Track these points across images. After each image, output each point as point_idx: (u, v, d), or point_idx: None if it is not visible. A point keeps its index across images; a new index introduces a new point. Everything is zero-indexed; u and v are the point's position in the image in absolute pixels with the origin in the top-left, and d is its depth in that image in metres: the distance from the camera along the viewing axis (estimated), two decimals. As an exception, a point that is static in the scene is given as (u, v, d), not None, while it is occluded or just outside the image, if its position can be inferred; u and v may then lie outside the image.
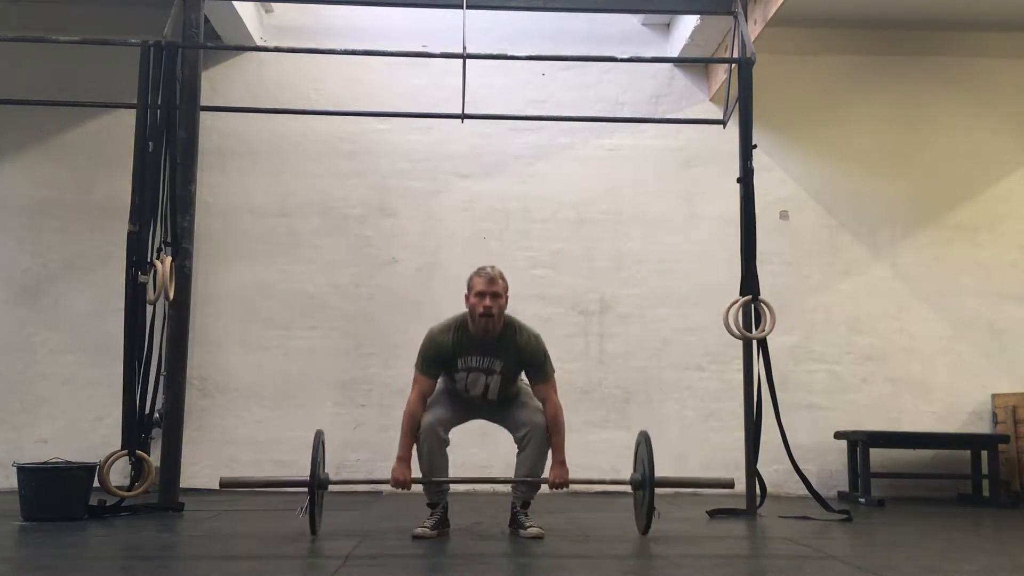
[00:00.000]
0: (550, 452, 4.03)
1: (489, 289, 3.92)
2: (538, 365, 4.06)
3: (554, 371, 4.13)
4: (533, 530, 3.97)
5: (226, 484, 4.18)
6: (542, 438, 4.02)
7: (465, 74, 5.55)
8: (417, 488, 4.09)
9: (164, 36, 5.14)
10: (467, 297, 4.01)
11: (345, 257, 6.60)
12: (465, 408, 4.16)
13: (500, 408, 4.14)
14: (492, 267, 4.02)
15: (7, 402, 6.32)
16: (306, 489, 3.83)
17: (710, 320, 5.98)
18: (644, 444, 4.02)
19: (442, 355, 4.02)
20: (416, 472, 4.03)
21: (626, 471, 6.35)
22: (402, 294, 6.49)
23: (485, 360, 4.01)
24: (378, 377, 6.44)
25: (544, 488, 4.09)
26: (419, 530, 3.96)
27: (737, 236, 5.29)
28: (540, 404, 4.09)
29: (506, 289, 3.99)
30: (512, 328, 4.04)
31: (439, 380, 4.14)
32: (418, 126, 6.62)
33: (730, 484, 4.24)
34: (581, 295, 6.54)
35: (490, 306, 3.91)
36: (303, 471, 6.27)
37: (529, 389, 4.19)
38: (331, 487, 4.04)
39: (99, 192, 6.46)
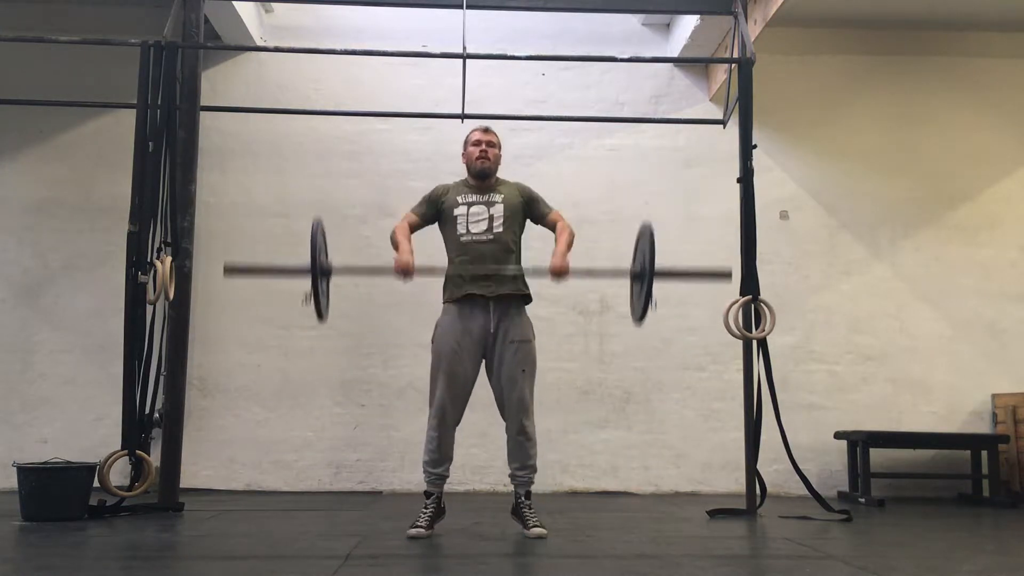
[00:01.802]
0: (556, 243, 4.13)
1: (484, 137, 4.26)
2: (537, 198, 4.29)
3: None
4: (536, 530, 3.97)
5: (230, 269, 4.33)
6: (526, 435, 4.07)
7: (465, 74, 5.55)
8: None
9: (164, 36, 5.15)
10: (463, 153, 4.29)
11: (345, 257, 6.55)
12: (470, 352, 4.07)
13: (503, 337, 4.06)
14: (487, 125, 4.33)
15: (7, 402, 6.33)
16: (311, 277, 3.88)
17: (710, 320, 5.98)
18: (646, 237, 4.03)
19: (440, 193, 4.24)
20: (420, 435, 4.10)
21: (626, 471, 6.41)
22: (402, 294, 6.47)
23: (484, 195, 4.18)
24: (378, 377, 6.44)
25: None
26: (413, 531, 3.95)
27: (737, 236, 5.29)
28: (526, 393, 4.06)
29: (500, 146, 4.31)
30: (505, 181, 4.31)
31: (443, 370, 4.07)
32: (418, 126, 6.62)
33: (727, 273, 4.38)
34: (581, 295, 6.54)
35: (485, 149, 4.22)
36: (303, 471, 6.33)
37: (530, 354, 4.12)
38: (335, 275, 4.11)
39: (99, 192, 6.46)
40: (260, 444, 6.32)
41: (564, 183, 6.67)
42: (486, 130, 4.31)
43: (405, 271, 4.02)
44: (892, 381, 6.57)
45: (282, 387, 6.41)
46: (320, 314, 3.98)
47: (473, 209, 4.15)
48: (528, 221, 4.31)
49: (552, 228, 4.26)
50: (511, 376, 4.06)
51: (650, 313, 4.01)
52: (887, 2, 6.49)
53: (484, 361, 4.14)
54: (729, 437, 6.16)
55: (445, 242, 4.26)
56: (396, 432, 6.36)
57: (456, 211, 4.16)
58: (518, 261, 4.20)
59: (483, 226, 4.11)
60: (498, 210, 4.14)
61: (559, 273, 4.05)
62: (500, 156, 4.31)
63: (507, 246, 4.13)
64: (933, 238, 6.74)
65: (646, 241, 4.01)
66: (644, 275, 3.97)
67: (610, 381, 6.51)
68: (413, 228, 4.24)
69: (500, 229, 4.11)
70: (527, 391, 4.09)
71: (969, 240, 6.74)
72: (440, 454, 4.08)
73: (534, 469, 4.13)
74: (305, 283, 3.90)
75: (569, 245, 4.15)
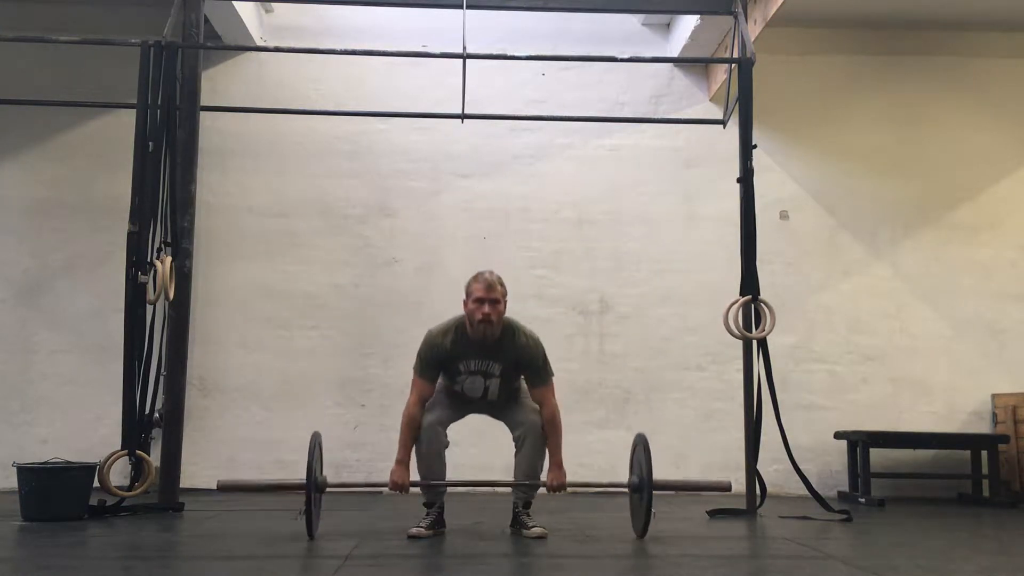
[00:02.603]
0: (547, 452, 4.04)
1: (488, 296, 3.90)
2: (536, 368, 4.05)
3: (553, 374, 4.11)
4: (536, 530, 3.98)
5: (224, 487, 4.15)
6: (538, 436, 4.03)
7: (465, 74, 5.55)
8: (415, 488, 4.09)
9: (164, 36, 5.15)
10: (465, 302, 3.99)
11: (345, 257, 6.60)
12: (464, 405, 4.17)
13: (499, 405, 4.15)
14: (490, 272, 3.99)
15: (7, 402, 6.32)
16: (304, 491, 3.78)
17: (710, 320, 5.98)
18: (641, 447, 4.00)
19: (440, 358, 4.01)
20: (415, 475, 4.02)
21: (625, 471, 6.39)
22: (402, 294, 6.49)
23: (484, 363, 4.01)
24: (378, 377, 6.44)
25: (542, 489, 4.09)
26: (414, 530, 3.96)
27: (737, 236, 5.29)
28: (537, 405, 4.09)
29: (505, 295, 3.97)
30: (511, 331, 4.03)
31: (439, 379, 4.14)
32: (418, 126, 6.62)
33: (727, 487, 4.23)
34: (581, 295, 6.54)
35: (488, 313, 3.89)
36: (303, 472, 6.30)
37: (525, 391, 4.19)
38: (329, 489, 4.01)
39: (99, 192, 6.46)
40: (260, 444, 6.32)
41: (564, 183, 6.67)
42: (489, 286, 3.92)
43: (400, 488, 3.99)
44: (892, 381, 6.56)
45: (282, 387, 6.41)
46: (311, 534, 3.78)
47: (471, 379, 4.05)
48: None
49: (538, 403, 4.09)
50: (515, 411, 4.11)
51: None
52: (887, 2, 6.49)
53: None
54: (729, 437, 6.14)
55: (442, 376, 4.15)
56: (396, 432, 6.26)
57: (456, 378, 4.08)
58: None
59: (478, 393, 4.09)
60: (494, 383, 4.06)
61: (556, 490, 4.02)
62: (505, 308, 3.99)
63: (498, 402, 4.14)
64: (933, 238, 6.74)
65: (642, 451, 3.97)
66: (643, 487, 3.91)
67: (610, 381, 6.51)
68: (426, 399, 4.05)
69: (494, 398, 4.11)
70: (537, 416, 4.08)
71: (969, 240, 6.74)
72: (433, 471, 4.02)
73: (538, 485, 4.10)
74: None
75: (560, 446, 4.05)
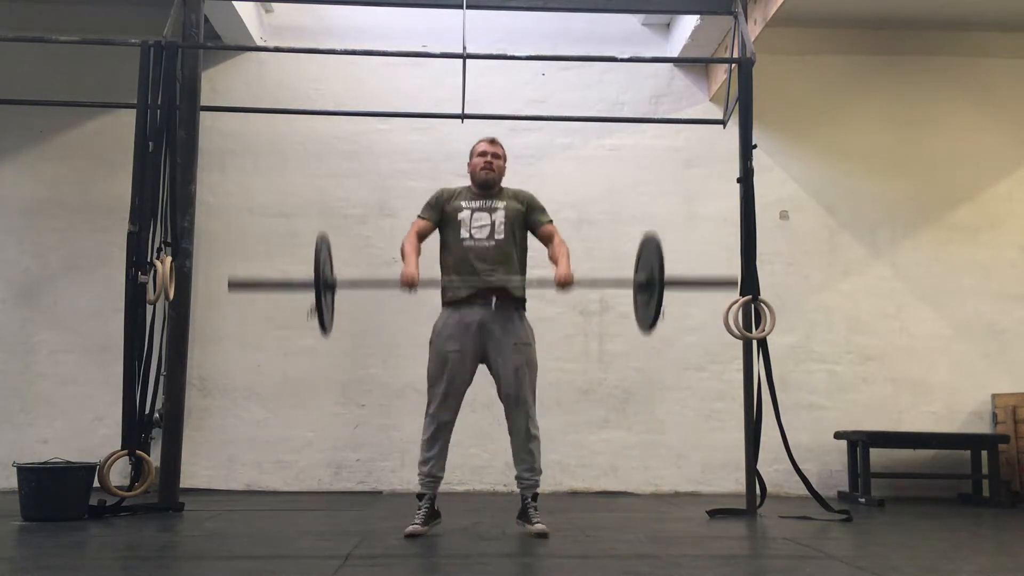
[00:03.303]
0: (555, 265, 4.13)
1: (490, 149, 4.27)
2: (537, 205, 4.30)
3: (552, 220, 4.33)
4: (539, 527, 3.99)
5: (234, 283, 4.31)
6: (525, 423, 4.09)
7: (465, 74, 5.55)
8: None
9: (164, 36, 5.15)
10: (469, 163, 4.32)
11: (345, 257, 6.55)
12: (469, 338, 4.09)
13: (502, 339, 4.08)
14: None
15: (7, 402, 6.32)
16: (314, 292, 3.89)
17: (710, 320, 5.98)
18: (653, 245, 4.01)
19: (445, 197, 4.25)
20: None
21: (626, 471, 6.41)
22: (402, 294, 6.46)
23: (487, 202, 4.20)
24: (378, 377, 6.44)
25: (552, 291, 4.13)
26: (411, 528, 3.97)
27: (737, 236, 5.29)
28: (527, 390, 4.08)
29: (505, 157, 4.33)
30: (508, 188, 4.33)
31: (441, 370, 4.10)
32: (418, 126, 6.62)
33: (734, 281, 4.43)
34: (581, 295, 6.54)
35: (491, 160, 4.24)
36: (303, 471, 6.33)
37: (529, 340, 4.14)
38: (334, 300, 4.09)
39: (99, 192, 6.46)
40: (260, 444, 6.32)
41: (564, 183, 6.67)
42: (492, 141, 4.32)
43: (410, 284, 4.02)
44: (892, 381, 6.57)
45: (282, 387, 6.41)
46: (324, 328, 3.98)
47: (476, 215, 4.18)
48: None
49: (544, 240, 4.26)
50: (514, 376, 4.08)
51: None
52: (887, 2, 6.49)
53: (486, 362, 4.15)
54: (729, 437, 6.15)
55: (443, 244, 4.26)
56: (396, 432, 6.36)
57: (460, 215, 4.19)
58: (520, 265, 4.21)
59: (485, 232, 4.15)
60: (500, 216, 4.17)
61: (564, 283, 4.06)
62: (504, 167, 4.33)
63: (507, 251, 4.15)
64: (933, 238, 6.74)
65: (653, 250, 4.00)
66: (654, 285, 3.96)
67: (610, 381, 6.51)
68: (423, 235, 4.24)
69: (501, 235, 4.14)
70: (529, 393, 4.12)
71: (969, 240, 6.74)
72: (435, 456, 4.11)
73: (539, 471, 4.15)
74: (309, 295, 3.91)
75: (568, 257, 4.16)
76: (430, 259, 4.33)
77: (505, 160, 4.33)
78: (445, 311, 4.20)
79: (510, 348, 4.09)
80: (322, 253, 3.97)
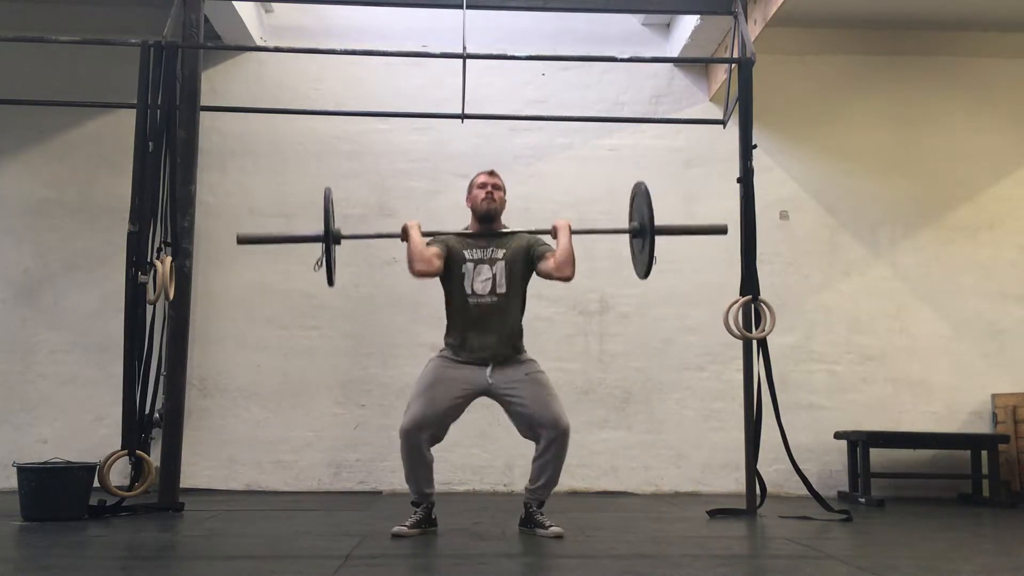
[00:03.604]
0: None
1: (490, 180, 4.22)
2: (540, 242, 4.23)
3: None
4: (554, 529, 3.96)
5: (243, 240, 4.40)
6: (566, 442, 3.98)
7: (465, 74, 5.55)
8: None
9: (164, 36, 5.14)
10: (468, 197, 4.26)
11: (345, 257, 6.55)
12: (465, 382, 4.04)
13: (507, 385, 4.02)
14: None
15: (7, 402, 6.32)
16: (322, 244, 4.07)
17: (710, 320, 5.98)
18: (641, 195, 4.15)
19: (452, 243, 4.16)
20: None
21: (626, 471, 6.41)
22: (402, 294, 6.49)
23: (488, 250, 4.14)
24: (378, 377, 6.44)
25: (548, 238, 4.15)
26: (397, 528, 3.95)
27: (737, 236, 5.29)
28: (559, 405, 4.02)
29: (505, 190, 4.26)
30: (510, 231, 4.27)
31: (425, 392, 4.03)
32: (418, 126, 6.62)
33: (723, 230, 4.43)
34: (581, 295, 6.54)
35: (491, 191, 4.18)
36: (303, 471, 6.33)
37: (545, 379, 4.08)
38: (345, 238, 4.22)
39: (99, 192, 6.46)
40: (260, 444, 6.32)
41: (564, 183, 6.67)
42: (491, 173, 4.26)
43: (411, 227, 4.08)
44: (892, 381, 6.57)
45: (282, 387, 6.41)
46: (331, 280, 4.13)
47: (477, 268, 4.08)
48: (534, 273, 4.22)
49: (549, 264, 4.08)
50: (539, 397, 3.99)
51: (654, 267, 4.08)
52: (887, 2, 6.49)
53: (494, 399, 4.08)
54: (729, 437, 6.16)
55: (447, 295, 4.17)
56: (396, 432, 6.30)
57: (463, 268, 4.09)
58: (519, 318, 4.15)
59: (487, 287, 4.07)
60: (500, 268, 4.08)
61: (561, 226, 4.08)
62: (505, 199, 4.23)
63: (509, 307, 4.09)
64: (933, 238, 6.74)
65: (643, 198, 4.15)
66: (645, 231, 4.11)
67: (610, 381, 6.51)
68: (438, 257, 4.09)
69: (503, 290, 4.08)
70: (562, 411, 3.99)
71: (969, 240, 6.74)
72: (414, 471, 3.99)
73: (554, 486, 4.08)
74: (315, 248, 4.13)
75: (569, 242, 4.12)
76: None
77: (505, 192, 4.25)
78: (446, 355, 4.12)
79: (524, 381, 4.02)
80: (329, 206, 4.09)
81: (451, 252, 4.12)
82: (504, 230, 4.22)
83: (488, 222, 4.18)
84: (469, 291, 4.08)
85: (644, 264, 4.13)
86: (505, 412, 4.10)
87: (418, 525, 4.00)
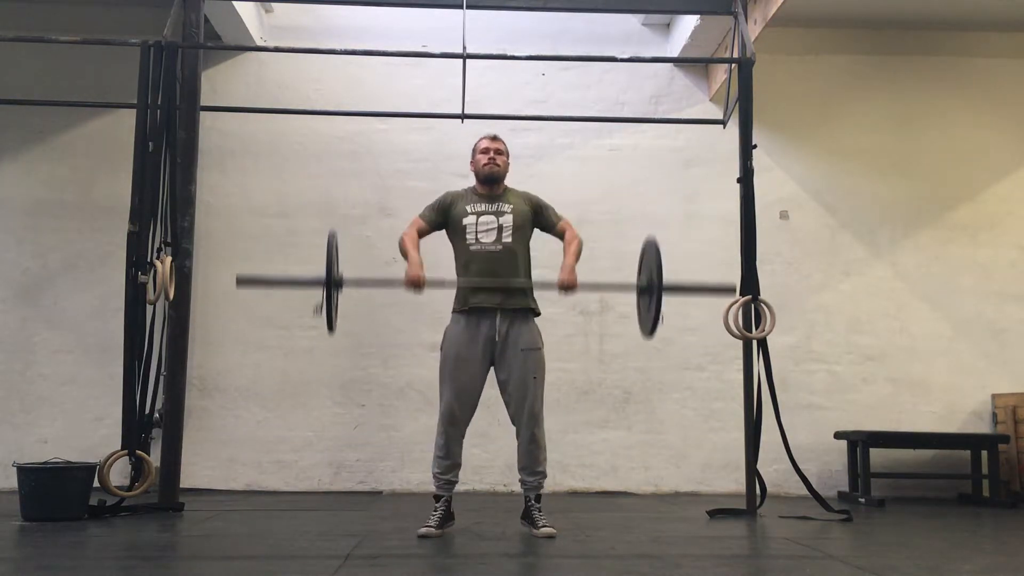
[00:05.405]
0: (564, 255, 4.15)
1: (493, 145, 4.24)
2: (547, 206, 4.26)
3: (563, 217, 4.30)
4: (546, 530, 3.99)
5: (242, 281, 4.30)
6: (536, 436, 4.08)
7: (465, 74, 5.55)
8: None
9: (164, 36, 5.14)
10: (472, 162, 4.28)
11: (345, 257, 6.54)
12: (479, 343, 4.08)
13: (511, 343, 4.07)
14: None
15: (7, 402, 6.32)
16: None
17: (710, 320, 5.98)
18: (652, 250, 4.07)
19: (449, 201, 4.19)
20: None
21: (626, 471, 6.41)
22: (402, 294, 6.40)
23: (493, 204, 4.15)
24: (378, 377, 6.44)
25: (554, 293, 4.13)
26: (423, 529, 3.99)
27: (737, 236, 5.29)
28: (536, 399, 4.07)
29: (508, 153, 4.29)
30: (513, 189, 4.28)
31: (450, 377, 4.10)
32: (418, 126, 6.62)
33: (732, 288, 4.46)
34: (581, 295, 6.51)
35: (493, 156, 4.19)
36: (303, 471, 6.33)
37: (538, 344, 4.13)
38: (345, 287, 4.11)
39: (99, 192, 6.46)
40: (260, 444, 6.32)
41: (564, 183, 6.66)
42: (494, 138, 4.28)
43: (416, 284, 4.02)
44: (892, 381, 6.57)
45: (282, 387, 6.41)
46: (331, 326, 4.00)
47: (482, 219, 4.13)
48: (537, 230, 4.30)
49: (561, 237, 4.26)
50: (522, 384, 4.07)
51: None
52: (887, 2, 6.49)
53: (493, 368, 4.15)
54: (729, 437, 6.16)
55: (454, 251, 4.23)
56: (396, 432, 6.36)
57: (465, 220, 4.14)
58: (527, 271, 4.19)
59: (492, 236, 4.11)
60: (507, 220, 4.13)
61: (567, 287, 4.08)
62: (508, 163, 4.29)
63: (516, 256, 4.12)
64: (933, 238, 6.74)
65: (652, 255, 4.04)
66: (653, 290, 4.00)
67: (610, 381, 6.51)
68: (421, 234, 4.22)
69: (509, 239, 4.11)
70: (538, 399, 4.10)
71: (969, 240, 6.74)
72: (449, 460, 4.12)
73: (544, 475, 4.15)
74: (316, 293, 3.92)
75: (577, 256, 4.17)
76: (432, 259, 4.31)
77: (508, 156, 4.30)
78: (455, 318, 4.19)
79: (518, 356, 4.07)
80: (332, 251, 3.99)
81: (451, 208, 4.19)
82: (507, 190, 4.26)
83: (491, 185, 4.20)
84: (473, 240, 4.10)
85: (649, 324, 4.07)
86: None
87: (442, 523, 4.06)
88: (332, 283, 3.94)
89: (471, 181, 4.38)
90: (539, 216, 4.24)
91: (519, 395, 4.08)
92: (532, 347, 4.11)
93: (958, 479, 6.29)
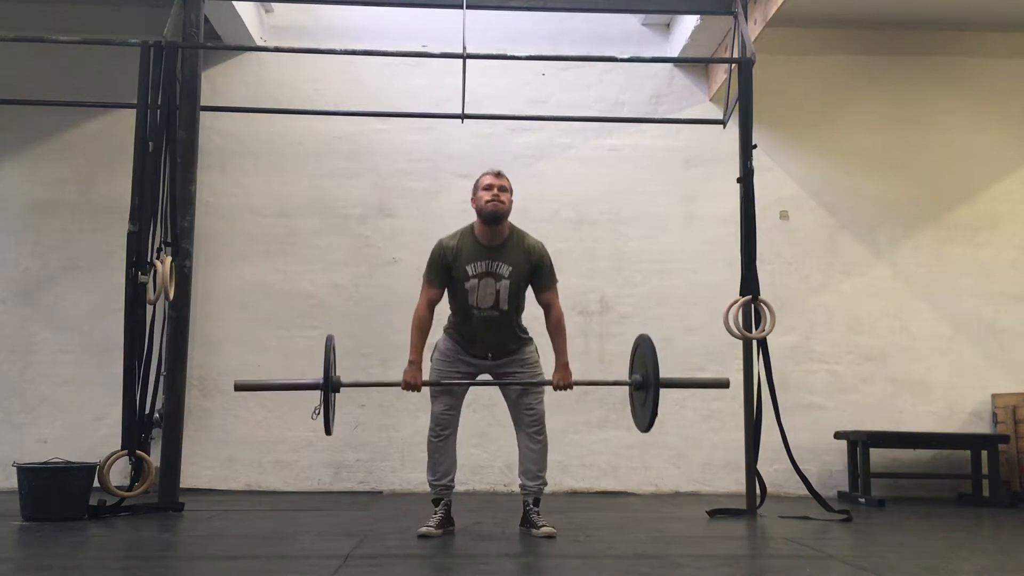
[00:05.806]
0: (554, 356, 4.10)
1: (496, 182, 4.08)
2: (546, 268, 4.16)
3: (557, 280, 4.23)
4: (545, 529, 3.99)
5: (240, 387, 4.27)
6: (539, 439, 4.10)
7: (465, 74, 5.55)
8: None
9: (164, 36, 5.14)
10: (473, 198, 4.13)
11: (345, 257, 6.60)
12: (470, 364, 4.14)
13: (506, 366, 4.12)
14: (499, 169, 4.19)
15: (7, 402, 6.33)
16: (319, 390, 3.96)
17: (710, 320, 5.98)
18: (644, 346, 4.10)
19: (448, 260, 4.08)
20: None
21: (626, 471, 6.41)
22: (402, 294, 6.46)
23: (493, 264, 4.07)
24: (378, 377, 6.43)
25: (550, 390, 4.11)
26: (424, 529, 3.99)
27: (737, 236, 5.29)
28: (538, 402, 4.11)
29: (512, 191, 4.12)
30: (518, 234, 4.16)
31: (441, 364, 4.14)
32: (418, 126, 6.62)
33: (725, 384, 4.38)
34: (581, 295, 6.54)
35: (497, 194, 4.04)
36: (303, 471, 6.33)
37: (535, 359, 4.17)
38: (343, 388, 4.13)
39: (99, 192, 6.46)
40: (260, 444, 6.32)
41: (564, 183, 6.67)
42: (498, 174, 4.14)
43: (412, 388, 4.04)
44: (892, 381, 6.56)
45: (282, 387, 6.40)
46: (328, 430, 4.02)
47: (483, 282, 4.06)
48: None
49: (543, 304, 4.15)
50: (524, 389, 4.11)
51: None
52: (887, 2, 6.49)
53: (489, 375, 4.17)
54: (729, 437, 6.15)
55: (453, 294, 4.16)
56: (396, 432, 6.36)
57: (467, 284, 4.07)
58: (519, 320, 4.18)
59: (490, 301, 4.07)
60: (504, 285, 4.06)
61: (563, 387, 4.08)
62: (512, 200, 4.13)
63: (511, 316, 4.11)
64: (933, 238, 6.74)
65: (647, 351, 4.07)
66: (649, 384, 4.04)
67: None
68: (435, 303, 4.12)
69: (505, 305, 4.08)
70: (541, 405, 4.13)
71: (969, 240, 6.74)
72: (443, 466, 4.13)
73: (544, 482, 4.16)
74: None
75: (566, 348, 4.12)
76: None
77: (512, 193, 4.13)
78: (447, 337, 4.20)
79: (516, 364, 4.13)
80: (329, 355, 4.00)
81: (452, 265, 4.08)
82: (507, 237, 4.12)
83: (493, 224, 4.09)
84: (473, 303, 4.08)
85: (646, 420, 4.10)
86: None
87: (442, 524, 4.06)
88: (329, 386, 3.98)
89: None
90: (534, 276, 4.15)
91: (522, 401, 4.11)
92: (530, 361, 4.16)
93: (958, 479, 6.29)
